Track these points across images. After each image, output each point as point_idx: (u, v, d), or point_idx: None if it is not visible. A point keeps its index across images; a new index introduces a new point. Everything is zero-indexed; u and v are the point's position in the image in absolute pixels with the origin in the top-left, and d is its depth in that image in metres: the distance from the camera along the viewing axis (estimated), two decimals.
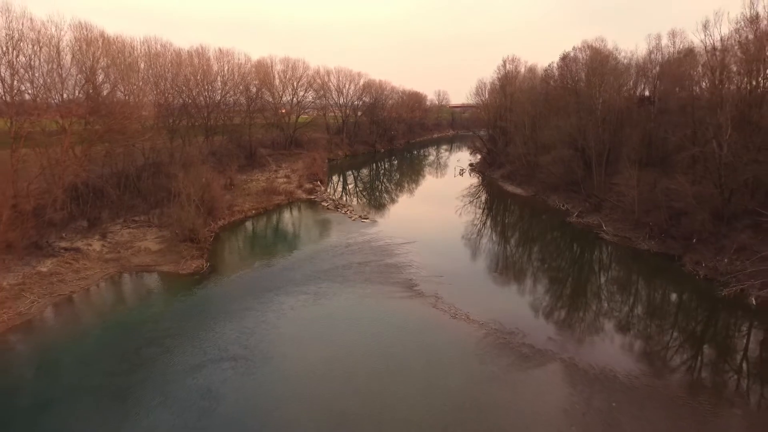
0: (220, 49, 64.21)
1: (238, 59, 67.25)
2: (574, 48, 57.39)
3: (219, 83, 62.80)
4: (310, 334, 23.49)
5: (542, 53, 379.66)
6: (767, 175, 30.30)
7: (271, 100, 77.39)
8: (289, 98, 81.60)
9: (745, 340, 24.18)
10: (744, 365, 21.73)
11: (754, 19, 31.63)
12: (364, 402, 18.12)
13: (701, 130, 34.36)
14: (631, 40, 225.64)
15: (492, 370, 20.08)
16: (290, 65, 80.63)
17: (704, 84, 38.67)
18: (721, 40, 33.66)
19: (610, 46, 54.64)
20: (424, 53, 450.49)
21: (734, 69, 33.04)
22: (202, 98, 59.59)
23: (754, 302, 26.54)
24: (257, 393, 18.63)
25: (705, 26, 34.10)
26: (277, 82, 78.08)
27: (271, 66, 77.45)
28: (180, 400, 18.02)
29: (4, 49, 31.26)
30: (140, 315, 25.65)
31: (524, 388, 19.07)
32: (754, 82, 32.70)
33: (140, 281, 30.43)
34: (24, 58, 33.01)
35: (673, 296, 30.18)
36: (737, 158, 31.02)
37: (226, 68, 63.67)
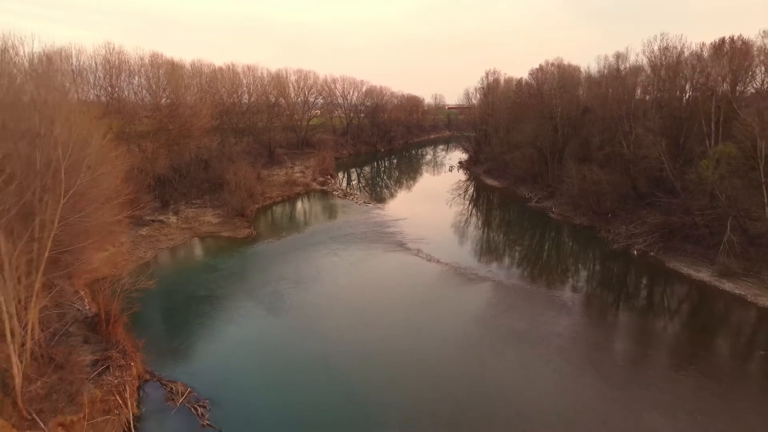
0: (247, 66, 76.96)
1: (260, 73, 79.95)
2: (540, 65, 69.84)
3: (246, 94, 75.37)
4: (336, 270, 35.86)
5: (541, 53, 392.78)
6: (653, 167, 42.59)
7: (286, 106, 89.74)
8: (301, 103, 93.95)
9: (614, 271, 36.61)
10: (608, 284, 34.16)
11: (652, 54, 43.95)
12: (372, 302, 30.67)
13: (616, 133, 46.65)
14: (629, 41, 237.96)
15: (448, 284, 32.57)
16: (303, 76, 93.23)
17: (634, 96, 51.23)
18: (628, 67, 46.02)
19: (566, 63, 67.30)
20: (423, 53, 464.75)
21: (638, 89, 45.34)
22: (233, 107, 72.10)
23: (635, 253, 38.95)
24: (307, 296, 31.01)
25: (618, 57, 46.46)
26: (291, 91, 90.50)
27: (286, 77, 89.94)
28: (258, 297, 30.42)
29: (111, 81, 43.79)
30: (217, 260, 38.12)
31: (466, 292, 31.53)
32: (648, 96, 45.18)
33: (210, 242, 42.90)
34: (120, 84, 45.63)
35: (585, 251, 42.53)
36: (635, 154, 43.40)
37: (251, 81, 76.25)
